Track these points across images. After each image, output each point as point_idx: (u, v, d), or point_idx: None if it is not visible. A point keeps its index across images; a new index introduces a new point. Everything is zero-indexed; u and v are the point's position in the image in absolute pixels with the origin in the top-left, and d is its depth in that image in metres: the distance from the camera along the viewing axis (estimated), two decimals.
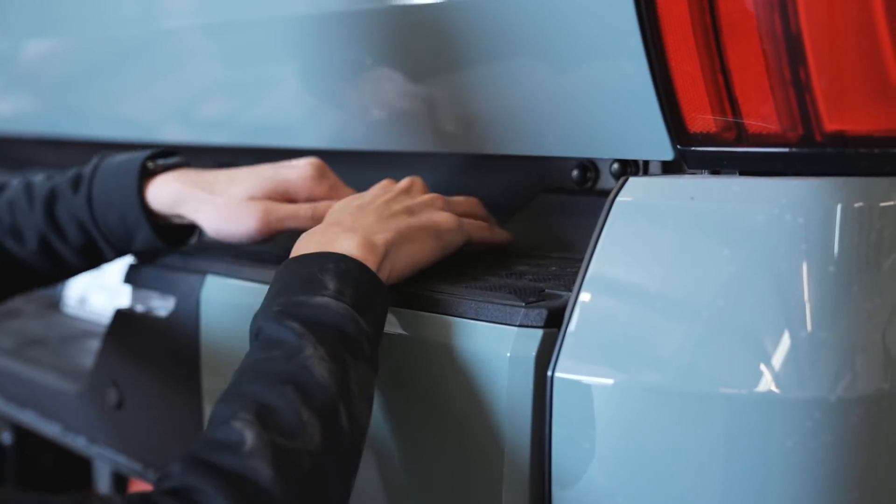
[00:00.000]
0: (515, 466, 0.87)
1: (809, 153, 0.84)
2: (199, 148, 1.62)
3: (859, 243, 0.80)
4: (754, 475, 0.78)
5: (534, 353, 0.87)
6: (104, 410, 1.30)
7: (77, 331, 1.66)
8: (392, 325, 0.96)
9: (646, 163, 1.05)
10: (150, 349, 1.23)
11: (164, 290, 1.22)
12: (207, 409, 1.16)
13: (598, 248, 0.86)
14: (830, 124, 0.82)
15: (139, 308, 1.26)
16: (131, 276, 1.27)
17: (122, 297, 1.43)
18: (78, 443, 1.42)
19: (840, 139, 0.82)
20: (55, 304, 1.84)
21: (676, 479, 0.81)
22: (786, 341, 0.78)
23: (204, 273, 1.17)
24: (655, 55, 0.88)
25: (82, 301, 1.80)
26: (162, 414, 1.23)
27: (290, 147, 1.36)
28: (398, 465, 0.97)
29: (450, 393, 0.92)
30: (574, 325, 0.84)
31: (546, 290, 0.93)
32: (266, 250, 1.22)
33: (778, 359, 0.78)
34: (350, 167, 1.43)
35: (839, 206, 0.80)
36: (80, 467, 1.61)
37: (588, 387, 0.83)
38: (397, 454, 0.97)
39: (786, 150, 0.84)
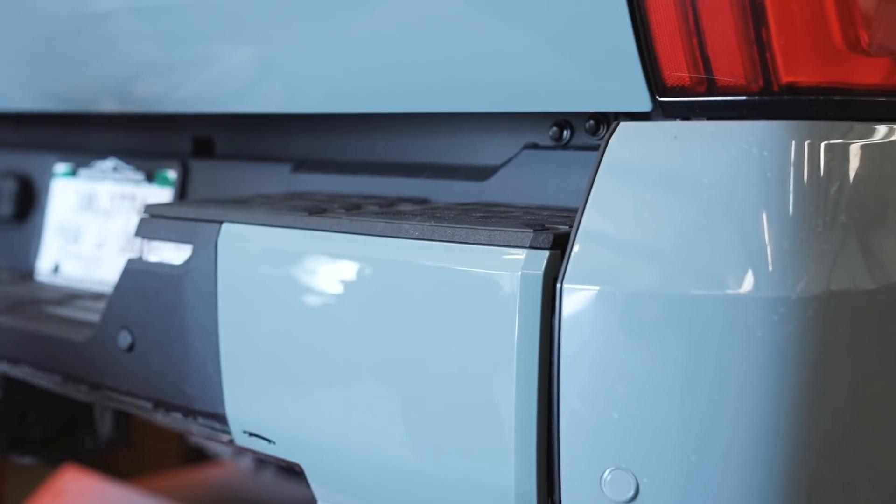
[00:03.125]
0: (526, 370, 1.03)
1: (768, 101, 1.02)
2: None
3: (810, 172, 0.99)
4: (732, 359, 0.96)
5: (542, 271, 1.03)
6: (114, 355, 1.41)
7: (63, 294, 1.75)
8: (408, 255, 1.11)
9: (616, 119, 1.22)
10: (164, 295, 1.35)
11: (178, 240, 1.34)
12: (224, 349, 1.28)
13: (597, 181, 1.03)
14: (786, 77, 1.00)
15: (151, 258, 1.38)
16: (142, 230, 1.39)
17: (133, 249, 1.55)
18: (79, 391, 1.52)
19: (793, 89, 1.01)
20: (28, 275, 1.93)
21: (666, 367, 0.98)
22: (756, 252, 0.96)
23: (219, 222, 1.30)
24: (640, 20, 1.05)
25: (55, 270, 1.89)
26: (177, 355, 1.34)
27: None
28: (416, 382, 1.11)
29: (466, 313, 1.07)
30: (579, 242, 1.01)
31: (546, 224, 1.09)
32: (273, 196, 1.35)
33: (750, 265, 0.96)
34: (335, 129, 1.57)
35: (793, 143, 0.99)
36: (70, 419, 1.70)
37: (593, 294, 1.00)
38: (414, 373, 1.12)
39: (748, 98, 1.02)
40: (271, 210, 1.28)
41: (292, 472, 3.46)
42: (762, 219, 0.97)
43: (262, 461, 3.25)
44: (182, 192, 1.71)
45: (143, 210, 1.40)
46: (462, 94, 1.27)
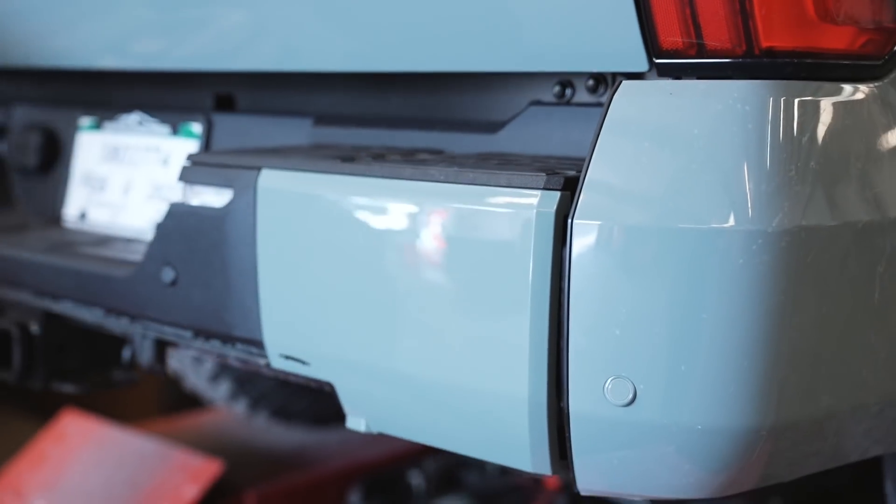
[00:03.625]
0: (539, 294, 1.20)
1: (750, 63, 1.18)
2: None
3: (785, 125, 1.16)
4: (717, 283, 1.13)
5: (554, 209, 1.19)
6: (158, 288, 1.57)
7: (95, 238, 1.90)
8: (436, 196, 1.27)
9: (614, 79, 1.39)
10: (206, 234, 1.50)
11: (219, 184, 1.49)
12: (263, 281, 1.44)
13: (603, 131, 1.19)
14: (766, 42, 1.17)
15: (193, 201, 1.53)
16: (186, 175, 1.54)
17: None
18: (120, 323, 1.68)
19: (772, 53, 1.17)
20: (56, 221, 2.07)
21: (661, 289, 1.15)
22: (739, 192, 1.13)
23: (258, 168, 1.45)
24: None
25: (82, 216, 2.03)
26: (217, 288, 1.50)
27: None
28: (442, 307, 1.28)
29: (488, 245, 1.23)
30: (587, 183, 1.18)
31: (556, 169, 1.25)
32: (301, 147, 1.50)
33: (734, 203, 1.13)
34: (353, 86, 1.72)
35: (771, 99, 1.16)
36: (108, 352, 1.85)
37: (599, 228, 1.16)
38: (440, 299, 1.28)
39: (733, 60, 1.19)
40: (306, 157, 1.44)
41: (284, 417, 3.59)
42: (744, 164, 1.14)
43: (255, 408, 3.41)
44: (207, 145, 1.86)
45: (185, 159, 1.55)
46: (475, 55, 1.43)
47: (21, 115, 2.18)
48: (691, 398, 1.16)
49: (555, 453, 1.26)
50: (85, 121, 2.08)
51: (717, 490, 1.24)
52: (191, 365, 3.36)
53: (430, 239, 1.28)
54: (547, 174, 1.21)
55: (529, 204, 1.20)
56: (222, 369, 3.31)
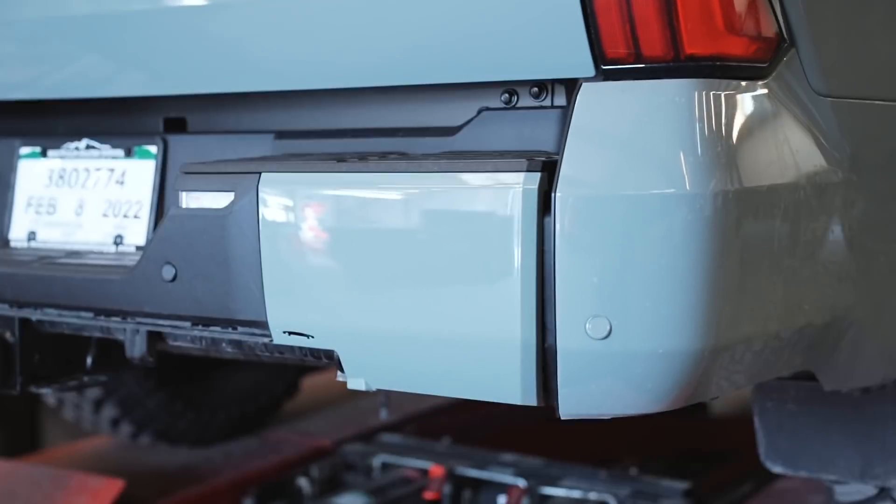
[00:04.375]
0: (528, 254, 1.49)
1: (677, 66, 1.53)
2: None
3: (708, 112, 1.50)
4: (670, 235, 1.46)
5: (536, 186, 1.50)
6: (157, 286, 1.76)
7: (63, 252, 2.05)
8: (433, 182, 1.55)
9: (553, 86, 1.71)
10: (208, 233, 1.71)
11: (219, 189, 1.71)
12: (266, 269, 1.66)
13: (572, 123, 1.51)
14: (689, 49, 1.51)
15: (192, 206, 1.74)
16: (183, 184, 1.75)
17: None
18: (111, 323, 1.85)
19: (693, 58, 1.52)
20: (4, 243, 2.19)
21: (628, 240, 1.46)
22: (681, 163, 1.47)
23: (258, 172, 1.68)
24: (589, 12, 1.53)
25: (31, 237, 2.17)
26: (220, 279, 1.71)
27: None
28: (443, 271, 1.55)
29: (482, 219, 1.52)
30: (565, 165, 1.48)
31: (531, 157, 1.56)
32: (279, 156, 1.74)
33: (679, 172, 1.47)
34: (306, 102, 1.97)
35: (696, 93, 1.50)
36: (73, 358, 2.01)
37: (577, 198, 1.47)
38: (442, 264, 1.55)
39: (664, 64, 1.53)
40: (301, 161, 1.68)
41: (167, 439, 3.70)
42: (684, 143, 1.48)
43: (139, 432, 3.52)
44: (164, 164, 2.05)
45: (179, 170, 1.76)
46: (436, 69, 1.71)
47: None
48: (654, 328, 1.48)
49: (540, 386, 1.55)
50: (26, 150, 2.22)
51: (667, 405, 1.56)
52: (72, 394, 3.44)
53: (430, 217, 1.55)
54: (527, 160, 1.51)
55: (517, 183, 1.50)
56: (105, 396, 3.42)
